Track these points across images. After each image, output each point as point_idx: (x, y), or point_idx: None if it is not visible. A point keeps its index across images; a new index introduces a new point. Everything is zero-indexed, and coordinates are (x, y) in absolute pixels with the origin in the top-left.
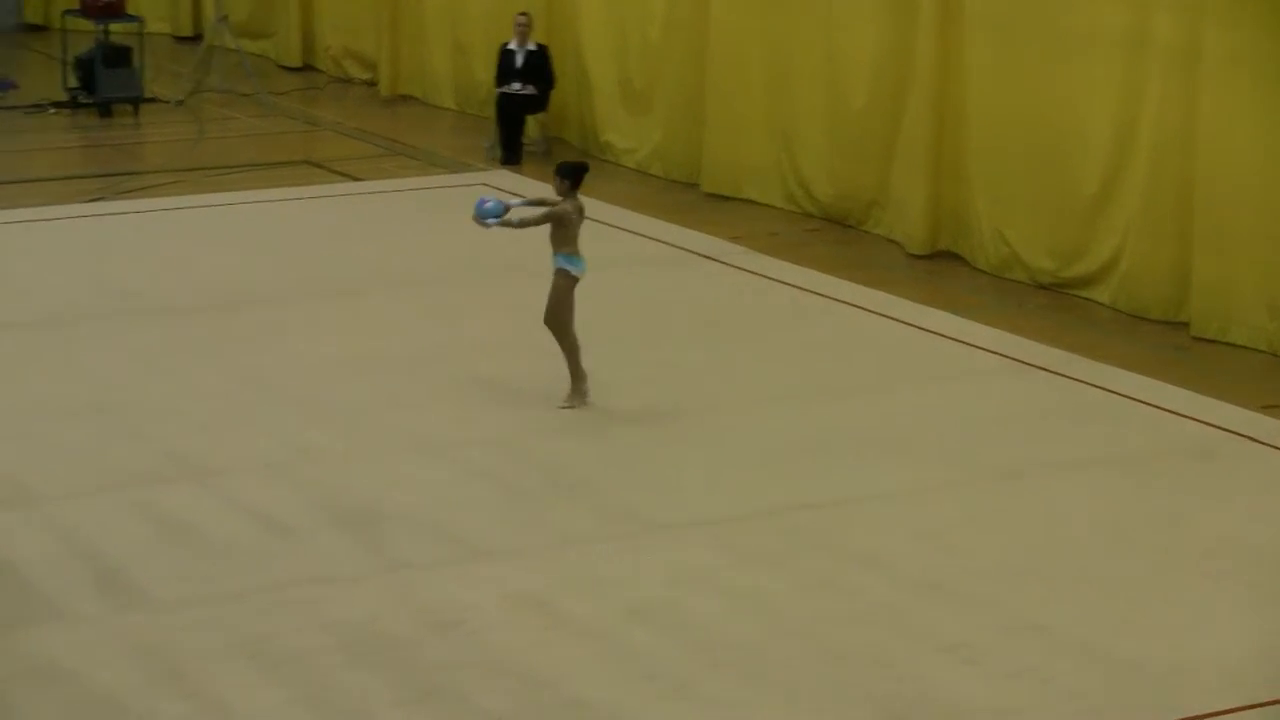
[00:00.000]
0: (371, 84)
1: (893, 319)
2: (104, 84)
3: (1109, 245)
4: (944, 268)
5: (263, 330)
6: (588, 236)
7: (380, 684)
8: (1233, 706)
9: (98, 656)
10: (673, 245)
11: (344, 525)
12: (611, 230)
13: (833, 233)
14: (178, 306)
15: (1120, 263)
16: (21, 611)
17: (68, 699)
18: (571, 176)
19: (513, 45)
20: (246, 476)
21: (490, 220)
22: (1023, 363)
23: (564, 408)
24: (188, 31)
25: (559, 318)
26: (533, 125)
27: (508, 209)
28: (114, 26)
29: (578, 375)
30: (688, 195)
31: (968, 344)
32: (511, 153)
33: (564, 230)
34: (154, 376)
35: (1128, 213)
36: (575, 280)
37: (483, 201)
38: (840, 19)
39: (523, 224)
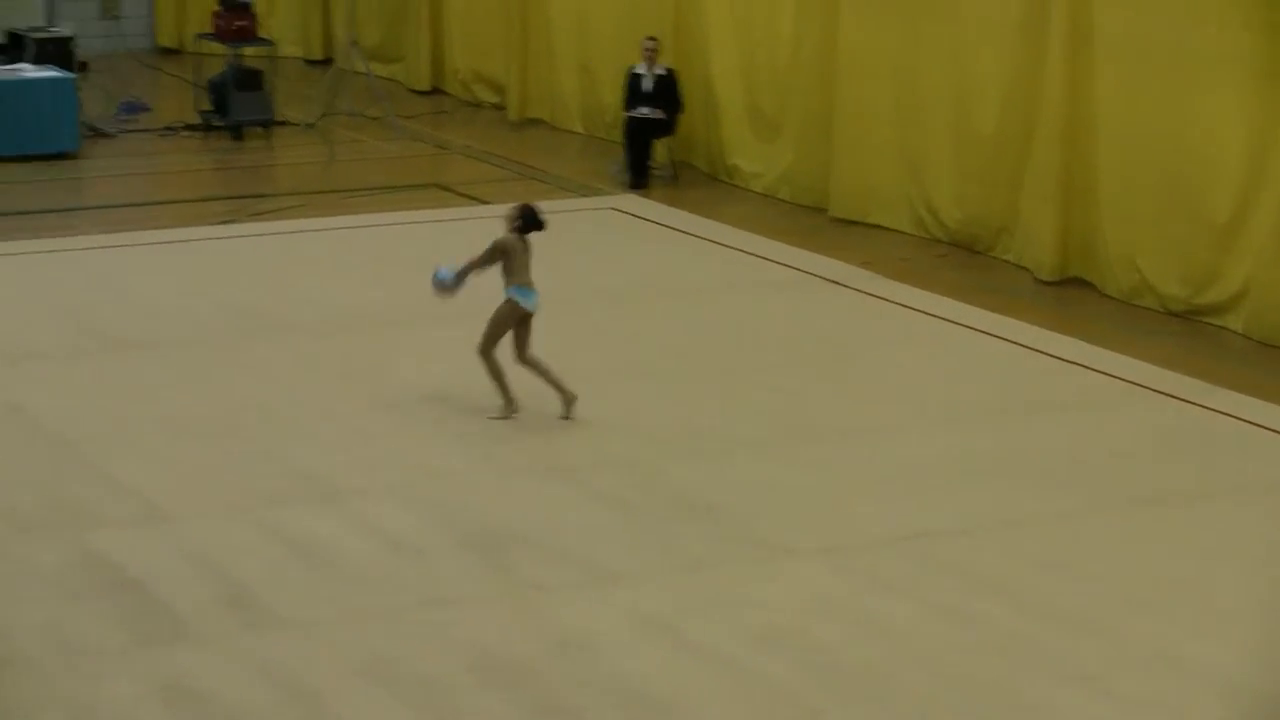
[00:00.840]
0: (500, 107)
1: (1021, 345)
2: (236, 107)
3: (1240, 272)
4: (1073, 294)
5: (392, 352)
6: (716, 259)
7: (507, 707)
8: None
9: (226, 676)
10: (800, 270)
11: (472, 547)
12: (738, 255)
13: (961, 258)
14: (307, 328)
15: (1252, 290)
16: (151, 630)
17: (196, 718)
18: (524, 219)
19: (641, 69)
20: (375, 498)
21: (446, 280)
22: (1153, 390)
23: (564, 417)
24: (319, 55)
25: (487, 334)
26: (660, 149)
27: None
28: (246, 50)
29: (507, 395)
30: (815, 220)
31: (1097, 371)
32: (638, 176)
33: (510, 261)
34: (284, 398)
35: (1260, 239)
36: (523, 312)
37: (438, 270)
38: (970, 44)
39: (473, 268)
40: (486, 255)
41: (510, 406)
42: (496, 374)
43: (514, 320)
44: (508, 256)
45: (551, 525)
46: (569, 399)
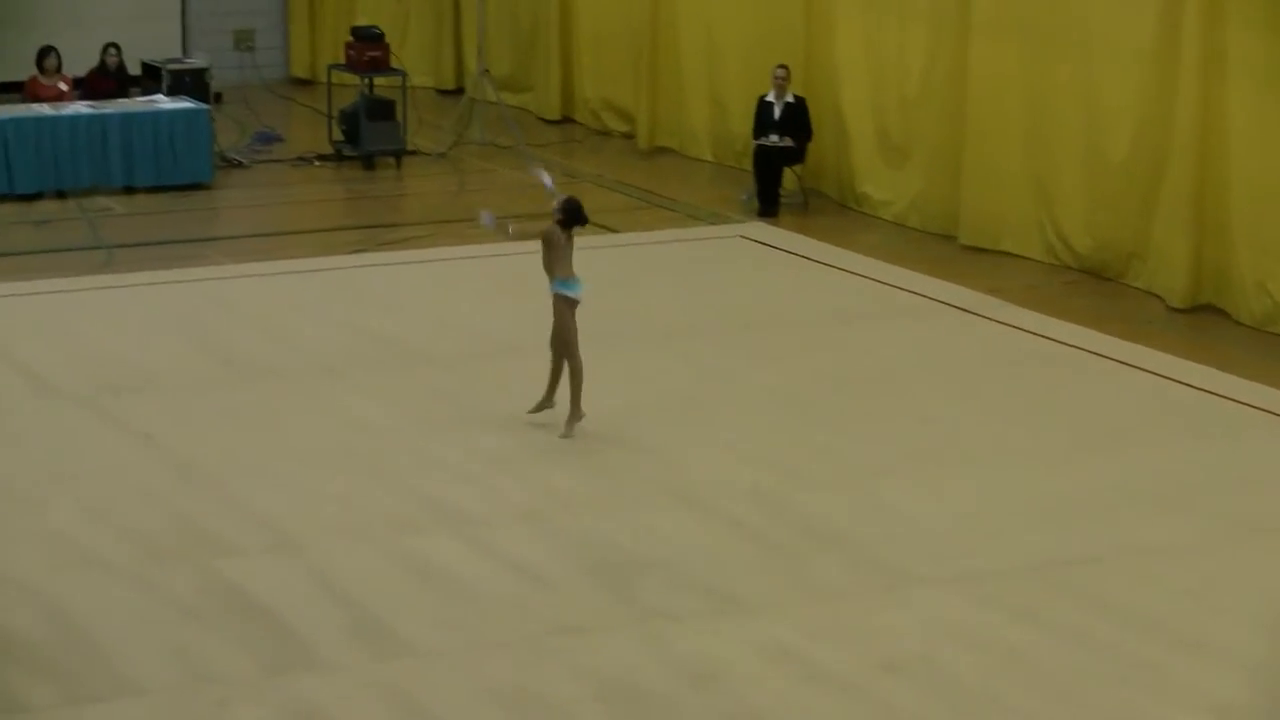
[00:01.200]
0: (629, 136)
1: (1152, 372)
2: (367, 137)
3: None
4: (1205, 321)
5: (519, 379)
6: (845, 286)
7: None
8: None
9: (355, 703)
10: (928, 297)
11: (600, 575)
12: (867, 282)
13: (1091, 285)
14: (436, 356)
15: None
16: (281, 657)
17: None
18: (566, 212)
19: (771, 97)
20: (503, 525)
21: (489, 224)
22: None
23: (564, 437)
24: (450, 85)
25: (564, 340)
26: (790, 177)
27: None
28: (378, 80)
29: (577, 402)
30: (945, 247)
31: (1230, 399)
32: (768, 204)
33: (552, 253)
34: (413, 425)
35: None
36: (575, 303)
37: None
38: (1100, 70)
39: (517, 235)
40: (534, 230)
41: (573, 425)
42: (577, 376)
43: (573, 312)
44: (551, 248)
45: (680, 553)
46: (576, 418)
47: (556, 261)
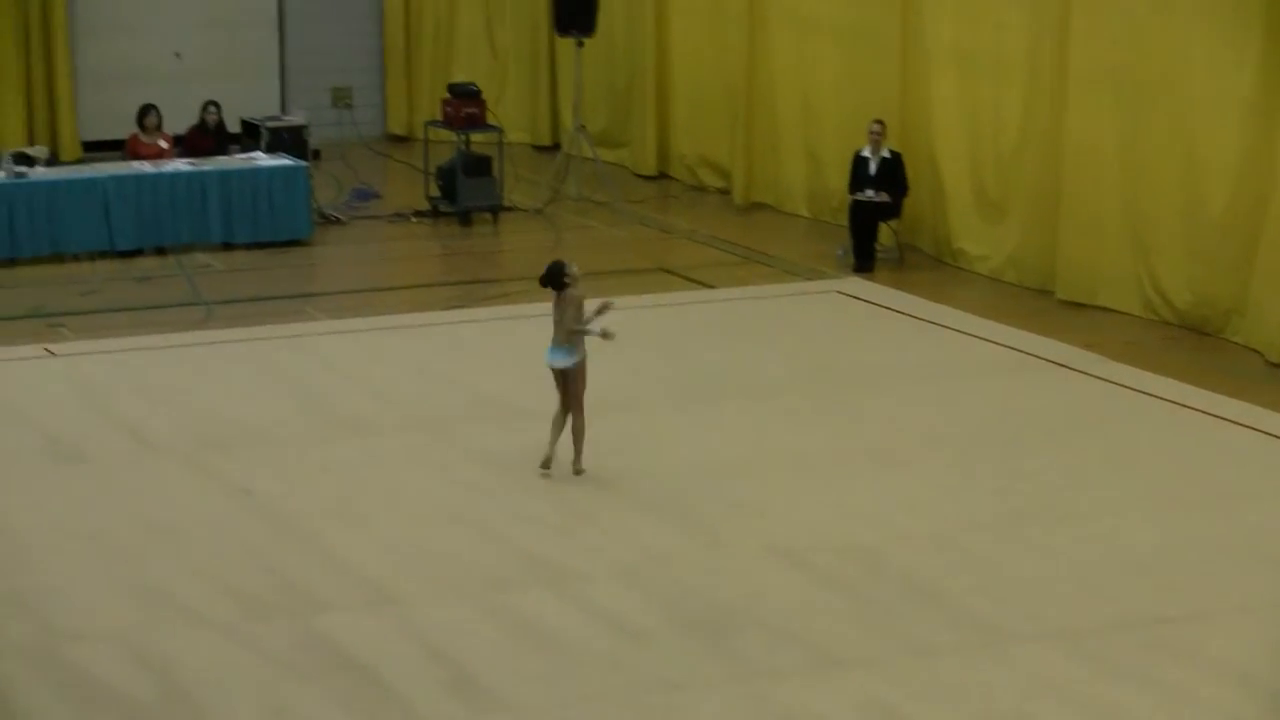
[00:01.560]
0: (725, 192)
1: (1252, 428)
2: (464, 193)
3: None
4: None
5: (619, 436)
6: (941, 342)
7: None
8: None
9: None
10: (1025, 353)
11: (698, 630)
12: (963, 337)
13: (1190, 340)
14: (535, 412)
15: None
16: (377, 714)
17: None
18: (543, 273)
19: (866, 152)
20: (602, 580)
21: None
22: None
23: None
24: (546, 141)
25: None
26: (885, 232)
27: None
28: (475, 136)
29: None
30: (1042, 302)
31: None
32: (864, 260)
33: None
34: (512, 481)
35: None
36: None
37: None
38: (1198, 122)
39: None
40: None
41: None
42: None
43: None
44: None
45: (778, 609)
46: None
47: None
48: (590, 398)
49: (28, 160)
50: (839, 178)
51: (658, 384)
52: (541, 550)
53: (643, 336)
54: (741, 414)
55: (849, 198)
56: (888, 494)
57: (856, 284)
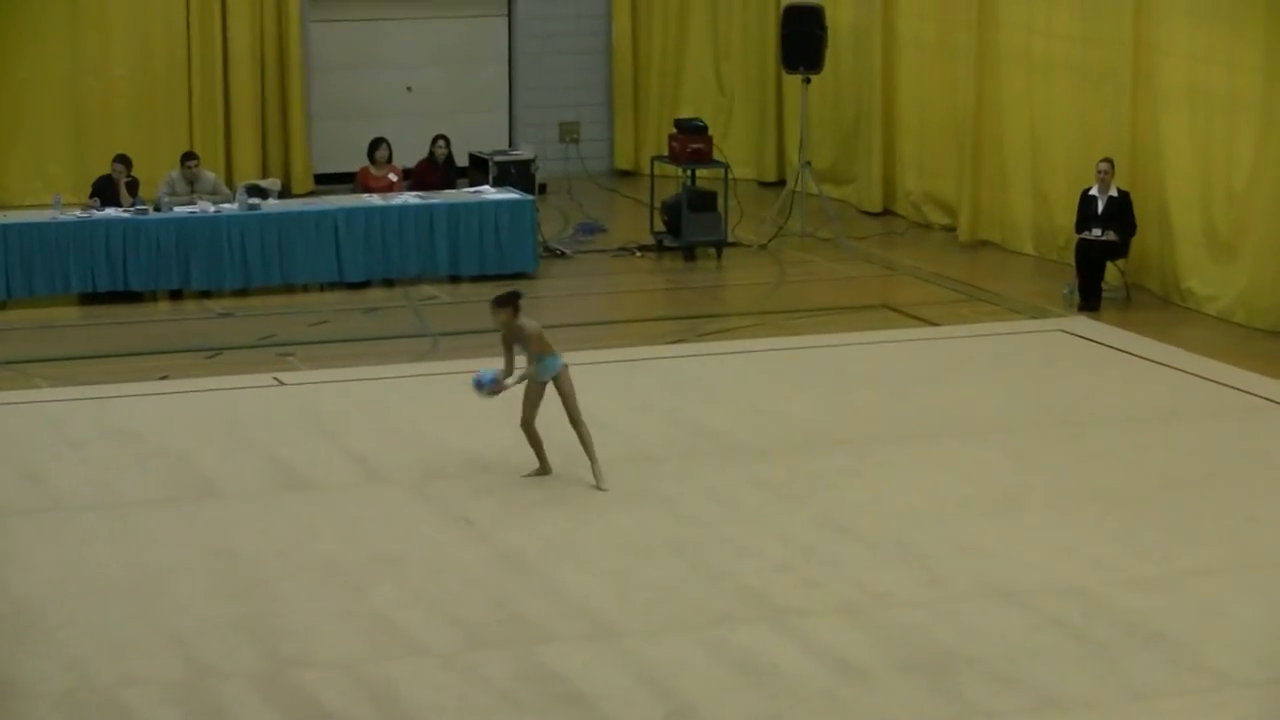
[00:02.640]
0: (950, 229)
1: None
2: (689, 228)
3: None
4: None
5: (839, 473)
6: (1168, 383)
7: None
8: None
9: None
10: (1257, 395)
11: (917, 670)
12: (1191, 379)
13: None
14: (755, 447)
15: None
16: None
17: None
18: (510, 303)
19: (1094, 191)
20: (821, 618)
21: (486, 384)
22: None
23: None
24: (771, 177)
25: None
26: (1112, 271)
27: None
28: (700, 172)
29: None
30: (1273, 344)
31: None
32: (1090, 299)
33: (531, 346)
34: (731, 516)
35: None
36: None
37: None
38: None
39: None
40: (524, 372)
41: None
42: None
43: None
44: (530, 344)
45: (999, 649)
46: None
47: (535, 348)
48: (811, 434)
49: (261, 192)
50: (1066, 216)
51: (879, 421)
52: (761, 585)
53: (865, 373)
54: (963, 452)
55: (1076, 236)
56: (1112, 535)
57: (1082, 323)
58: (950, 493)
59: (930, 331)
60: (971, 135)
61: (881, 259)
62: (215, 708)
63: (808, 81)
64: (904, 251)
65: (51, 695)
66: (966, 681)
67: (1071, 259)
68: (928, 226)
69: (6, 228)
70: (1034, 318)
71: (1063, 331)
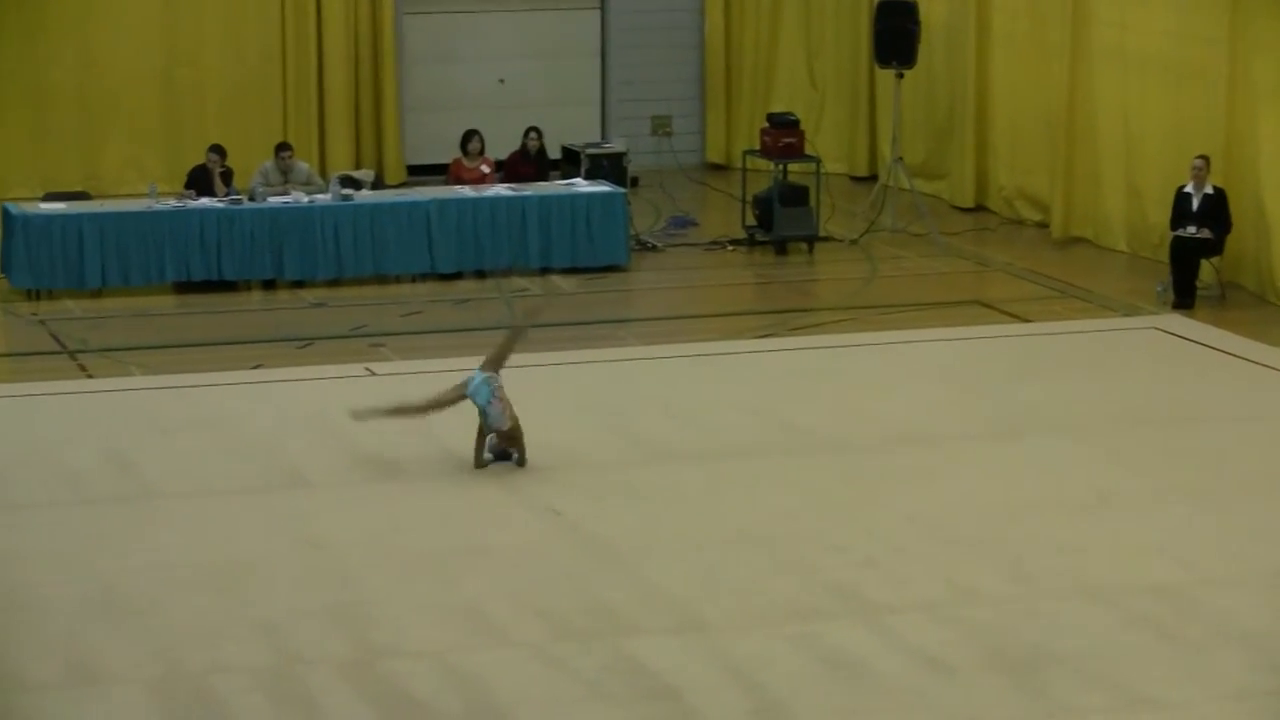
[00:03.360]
0: (1043, 225)
1: None
2: (780, 222)
3: None
4: None
5: (928, 469)
6: (1263, 383)
7: None
8: None
9: None
10: None
11: (1004, 668)
12: None
13: None
14: (844, 442)
15: None
16: None
17: None
18: None
19: (1189, 188)
20: (909, 614)
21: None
22: None
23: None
24: (863, 172)
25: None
26: (1207, 269)
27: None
28: (792, 166)
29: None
30: None
31: None
32: (1184, 297)
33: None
34: (820, 511)
35: None
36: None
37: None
38: None
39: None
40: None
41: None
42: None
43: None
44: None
45: (1088, 648)
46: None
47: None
48: (900, 430)
49: (354, 183)
50: (1160, 213)
51: (970, 417)
52: (849, 581)
53: (956, 370)
54: (1054, 450)
55: (1170, 233)
56: (1203, 535)
57: (1176, 321)
58: (1040, 490)
59: (1022, 328)
60: (1065, 131)
61: (974, 255)
62: (304, 696)
63: (901, 76)
64: (996, 247)
65: (142, 681)
66: (1054, 679)
67: (1165, 256)
68: (1020, 222)
69: (103, 217)
70: (1127, 315)
71: (1156, 329)
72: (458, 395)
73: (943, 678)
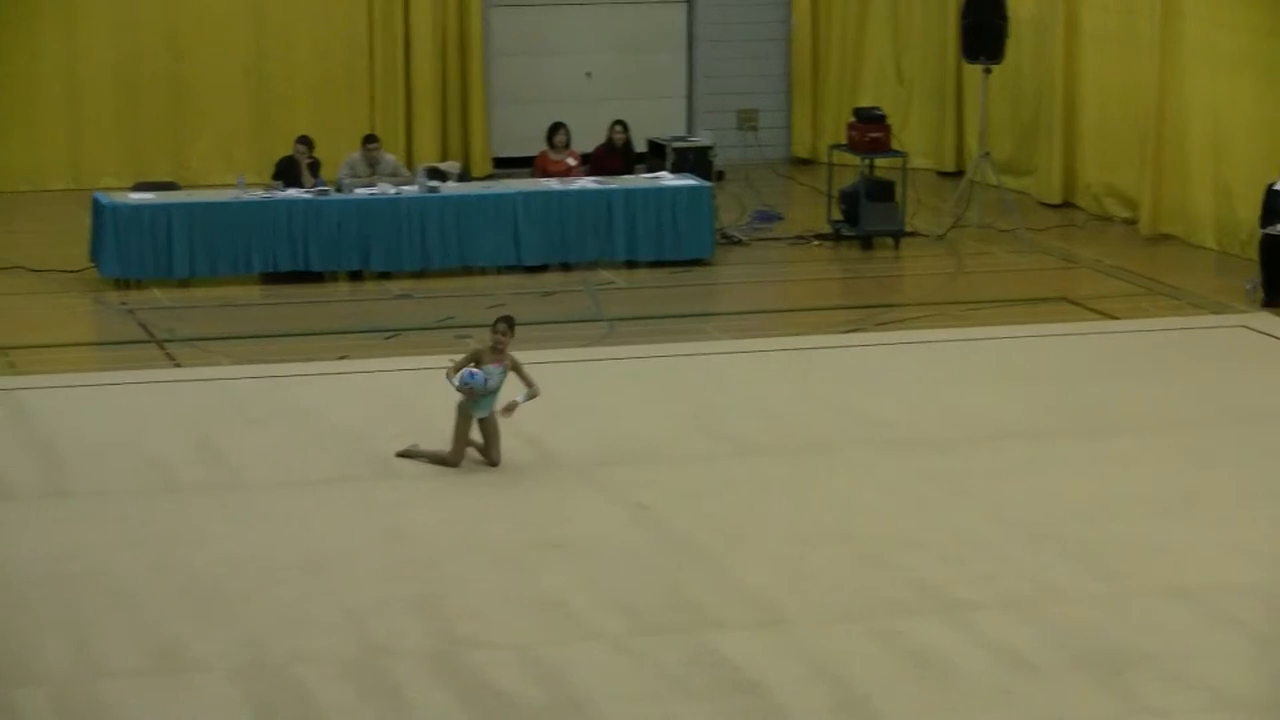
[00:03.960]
0: (1131, 222)
1: None
2: (866, 217)
3: None
4: None
5: (1011, 466)
6: None
7: None
8: None
9: None
10: None
11: (1088, 666)
12: None
13: None
14: (928, 439)
15: None
16: None
17: None
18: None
19: (1279, 186)
20: (992, 611)
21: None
22: None
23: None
24: (950, 167)
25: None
26: None
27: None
28: (878, 161)
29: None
30: None
31: None
32: (1274, 295)
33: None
34: (902, 507)
35: None
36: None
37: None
38: None
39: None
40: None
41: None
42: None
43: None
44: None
45: (1173, 647)
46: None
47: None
48: (981, 426)
49: (440, 175)
50: (1249, 210)
51: (1055, 414)
52: (933, 577)
53: (1042, 367)
54: (1140, 448)
55: (1260, 231)
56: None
57: (1265, 319)
58: (1126, 488)
59: (1109, 325)
60: (1153, 128)
61: (1060, 251)
62: (388, 686)
63: (988, 71)
64: (1083, 244)
65: (228, 669)
66: (1140, 679)
67: (1255, 254)
68: (1108, 219)
69: (191, 207)
70: (1215, 313)
71: (1245, 327)
72: (466, 409)
73: (1027, 676)
